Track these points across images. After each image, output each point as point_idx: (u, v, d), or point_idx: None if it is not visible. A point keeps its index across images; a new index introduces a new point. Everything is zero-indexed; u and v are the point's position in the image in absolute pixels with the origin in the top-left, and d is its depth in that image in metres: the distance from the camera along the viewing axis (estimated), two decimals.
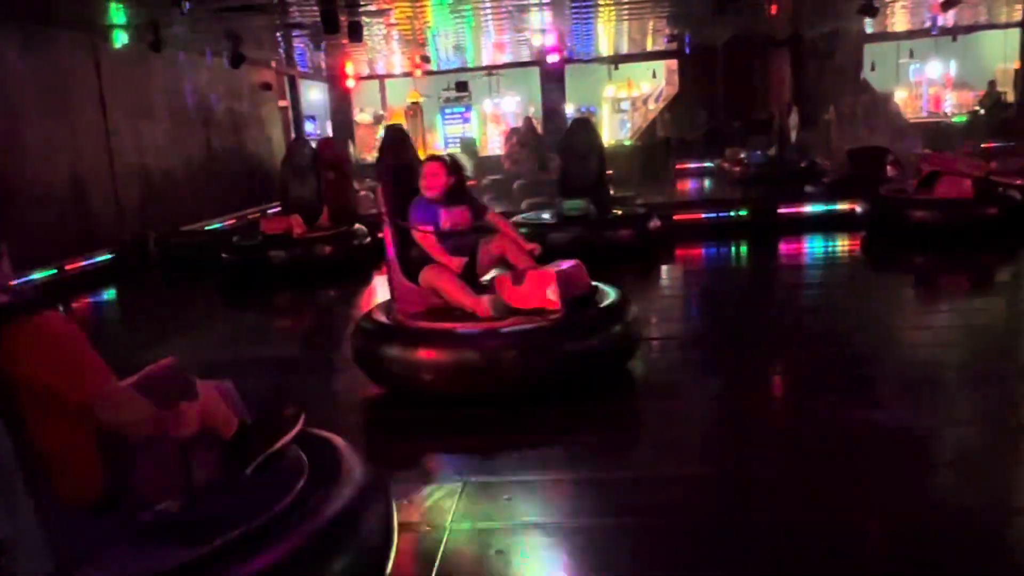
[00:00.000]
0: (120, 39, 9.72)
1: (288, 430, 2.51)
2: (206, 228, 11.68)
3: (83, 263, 9.28)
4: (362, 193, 12.14)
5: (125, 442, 2.12)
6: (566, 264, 4.60)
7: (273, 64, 15.88)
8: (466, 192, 4.92)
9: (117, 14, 9.42)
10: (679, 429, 4.09)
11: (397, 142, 5.15)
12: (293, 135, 16.81)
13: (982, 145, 12.65)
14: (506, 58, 18.60)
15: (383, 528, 2.34)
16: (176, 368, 2.47)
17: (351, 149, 17.55)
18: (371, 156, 20.82)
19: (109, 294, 9.12)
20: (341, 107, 19.91)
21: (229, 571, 1.91)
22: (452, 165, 4.83)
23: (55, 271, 8.82)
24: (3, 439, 1.88)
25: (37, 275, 8.55)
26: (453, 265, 4.65)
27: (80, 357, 2.05)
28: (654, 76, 22.05)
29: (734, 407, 4.38)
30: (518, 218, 9.37)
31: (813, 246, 9.10)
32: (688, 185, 15.90)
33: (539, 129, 18.77)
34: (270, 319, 7.67)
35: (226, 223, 12.16)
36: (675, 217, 9.51)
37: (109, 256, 9.69)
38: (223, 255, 9.06)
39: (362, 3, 10.12)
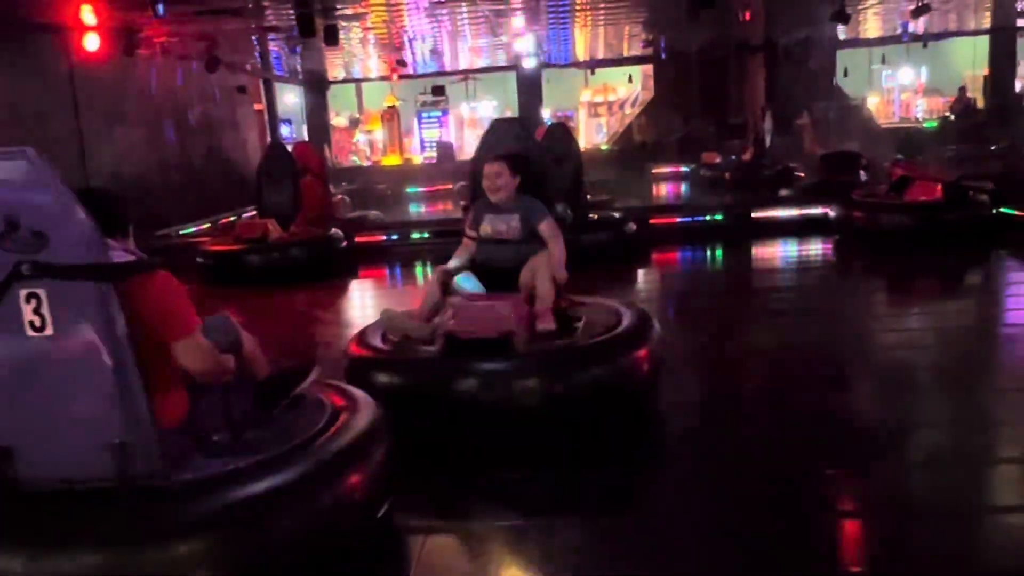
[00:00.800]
0: (93, 43, 9.63)
1: (305, 378, 3.12)
2: (180, 232, 11.58)
3: None
4: (338, 197, 12.08)
5: (194, 381, 2.72)
6: (499, 302, 3.94)
7: (248, 67, 15.80)
8: (535, 193, 4.41)
9: (90, 17, 9.34)
10: (645, 436, 4.12)
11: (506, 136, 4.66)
12: (269, 139, 16.73)
13: (952, 147, 12.88)
14: (483, 62, 18.65)
15: (387, 450, 2.92)
16: (227, 319, 3.12)
17: (327, 153, 17.52)
18: (347, 160, 20.81)
19: None
20: (317, 111, 19.84)
21: (278, 474, 2.55)
22: (516, 163, 4.34)
23: None
24: (131, 361, 2.43)
25: None
26: (435, 276, 4.27)
27: (178, 308, 2.66)
28: (630, 81, 22.19)
29: (705, 410, 4.41)
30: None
31: (787, 250, 9.19)
32: (664, 189, 16.00)
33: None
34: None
35: (200, 227, 12.08)
36: (651, 221, 9.57)
37: None
38: (198, 259, 9.00)
39: (338, 7, 10.11)
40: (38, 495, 2.43)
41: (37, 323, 2.40)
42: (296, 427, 2.85)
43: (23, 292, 2.38)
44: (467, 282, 4.23)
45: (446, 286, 4.21)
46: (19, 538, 2.34)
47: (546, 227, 4.27)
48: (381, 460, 2.87)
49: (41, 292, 2.38)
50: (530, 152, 4.59)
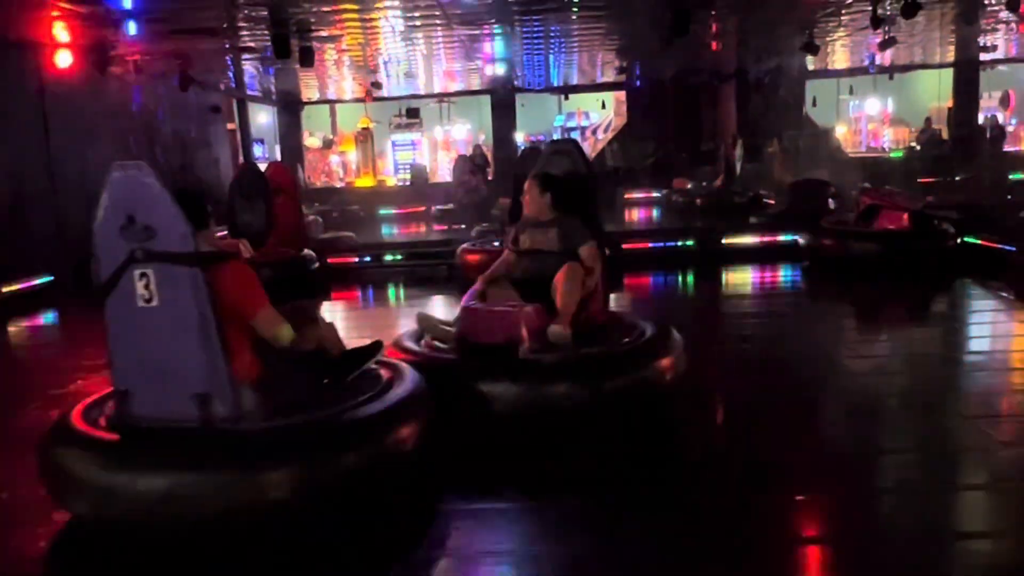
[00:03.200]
0: (65, 60, 9.54)
1: (374, 356, 3.87)
2: None
3: (20, 286, 9.03)
4: (310, 218, 12.04)
5: (270, 349, 3.43)
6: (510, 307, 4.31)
7: (222, 87, 15.73)
8: (576, 211, 4.67)
9: (63, 34, 9.26)
10: (614, 458, 4.13)
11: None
12: (241, 158, 16.63)
13: (919, 180, 13.12)
14: (457, 86, 18.72)
15: (428, 405, 3.64)
16: (309, 305, 4.24)
17: (300, 174, 17.46)
18: (320, 181, 20.73)
19: (47, 318, 8.88)
20: (290, 131, 19.78)
21: (353, 419, 3.33)
22: (546, 182, 4.69)
23: None
24: (214, 330, 3.21)
25: None
26: (476, 285, 4.65)
27: (254, 289, 3.42)
28: (603, 107, 22.38)
29: (673, 434, 4.43)
30: (466, 245, 9.41)
31: (757, 277, 9.28)
32: (636, 215, 16.13)
33: (489, 157, 18.91)
34: None
35: None
36: (623, 246, 9.64)
37: (48, 280, 9.43)
38: None
39: (314, 29, 10.11)
40: (143, 429, 3.25)
41: (146, 296, 3.22)
42: (358, 390, 3.56)
43: (137, 272, 3.21)
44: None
45: (483, 294, 4.53)
46: (126, 462, 3.12)
47: (586, 252, 4.53)
48: (423, 418, 3.53)
49: (150, 272, 3.20)
50: (575, 173, 4.90)
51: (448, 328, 4.47)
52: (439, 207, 15.38)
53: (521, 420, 4.04)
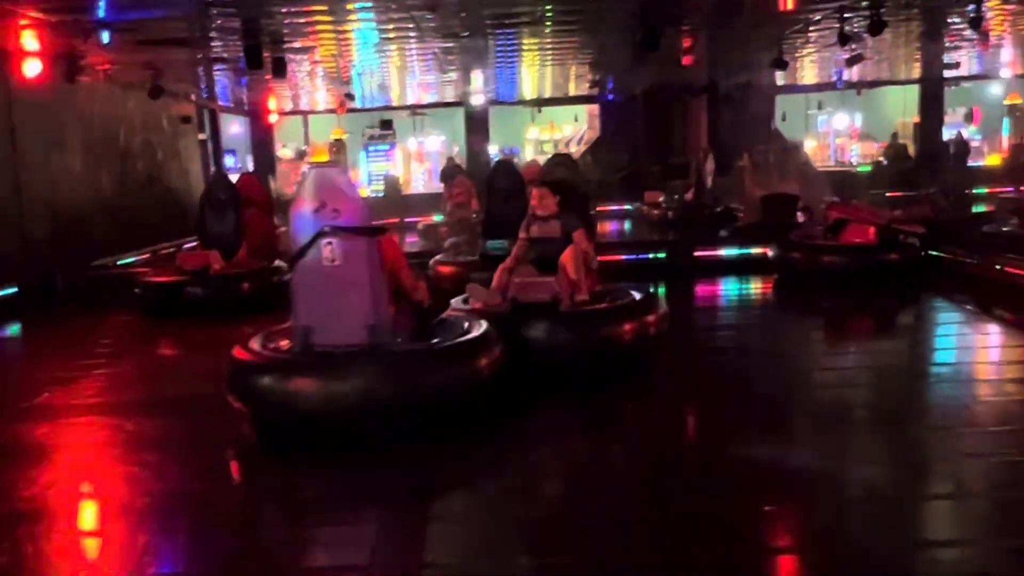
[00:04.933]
0: (34, 69, 9.41)
1: (446, 310, 5.40)
2: (119, 263, 11.32)
3: None
4: (282, 229, 11.94)
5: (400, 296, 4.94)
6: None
7: (193, 97, 15.62)
8: (571, 209, 6.01)
9: (32, 42, 9.15)
10: (583, 469, 4.14)
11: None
12: (212, 169, 16.51)
13: (887, 194, 13.30)
14: (431, 98, 18.74)
15: (501, 345, 4.84)
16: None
17: (272, 185, 17.34)
18: (293, 191, 20.63)
19: (12, 330, 8.74)
20: (263, 142, 19.68)
21: (457, 345, 4.66)
22: (556, 188, 6.08)
23: None
24: (379, 282, 4.63)
25: None
26: (504, 265, 5.90)
27: (402, 254, 5.13)
28: (576, 120, 22.51)
29: (645, 446, 4.46)
30: (439, 257, 9.40)
31: (727, 288, 9.37)
32: (608, 227, 16.20)
33: (461, 166, 18.87)
34: (184, 357, 7.46)
35: (141, 257, 11.82)
36: (597, 258, 9.65)
37: (11, 291, 9.27)
38: (136, 291, 8.81)
39: (287, 40, 10.08)
40: (325, 354, 4.52)
41: (330, 258, 4.56)
42: (449, 331, 4.91)
43: (324, 241, 4.52)
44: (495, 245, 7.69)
45: (511, 271, 5.80)
46: (316, 375, 4.43)
47: (578, 235, 5.86)
48: (498, 352, 4.76)
49: (334, 241, 4.53)
50: (572, 179, 6.80)
51: (495, 294, 5.71)
52: (424, 223, 14.89)
53: (562, 355, 5.31)
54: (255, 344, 4.79)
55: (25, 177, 10.31)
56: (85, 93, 11.45)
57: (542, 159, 23.21)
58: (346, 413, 4.31)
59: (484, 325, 4.89)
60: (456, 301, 5.90)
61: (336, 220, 4.50)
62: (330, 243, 4.51)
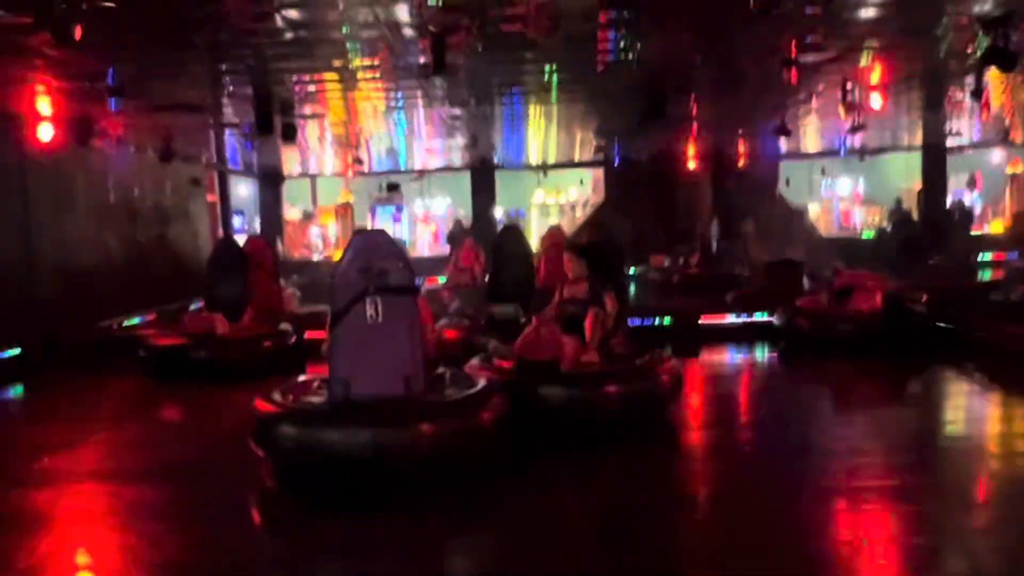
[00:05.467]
0: (47, 133, 9.58)
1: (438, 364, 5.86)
2: (124, 324, 11.34)
3: None
4: (289, 291, 11.98)
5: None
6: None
7: (203, 160, 15.83)
8: (598, 275, 6.40)
9: (46, 108, 9.32)
10: (576, 534, 4.07)
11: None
12: (221, 230, 16.64)
13: (891, 260, 13.32)
14: (438, 162, 18.96)
15: (503, 399, 5.31)
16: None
17: (279, 247, 17.44)
18: (300, 253, 20.74)
19: (14, 392, 8.70)
20: (271, 203, 19.86)
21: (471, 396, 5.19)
22: (581, 254, 6.54)
23: None
24: (417, 337, 5.19)
25: None
26: (532, 323, 6.35)
27: (428, 312, 6.24)
28: (581, 183, 22.70)
29: (648, 514, 4.38)
30: (443, 322, 9.39)
31: (734, 355, 9.32)
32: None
33: (468, 229, 19.01)
34: (187, 421, 7.42)
35: (146, 318, 11.84)
36: None
37: (14, 352, 9.24)
38: (140, 353, 8.80)
39: (297, 107, 10.26)
40: (363, 403, 4.93)
41: (374, 315, 5.00)
42: (456, 384, 5.46)
43: (368, 300, 4.97)
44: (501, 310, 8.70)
45: (538, 330, 6.21)
46: (357, 422, 4.82)
47: (606, 300, 6.25)
48: (500, 403, 5.24)
49: (378, 300, 4.99)
50: (601, 244, 7.16)
51: (510, 351, 6.22)
52: (428, 286, 14.77)
53: (563, 413, 5.75)
54: (277, 396, 5.19)
55: (35, 238, 10.41)
56: (97, 156, 11.62)
57: (549, 223, 23.48)
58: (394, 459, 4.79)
59: (486, 382, 5.44)
60: (474, 360, 6.40)
61: (381, 281, 5.00)
62: (374, 301, 4.98)
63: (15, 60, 7.21)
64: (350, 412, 4.91)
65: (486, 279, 13.19)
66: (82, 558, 4.23)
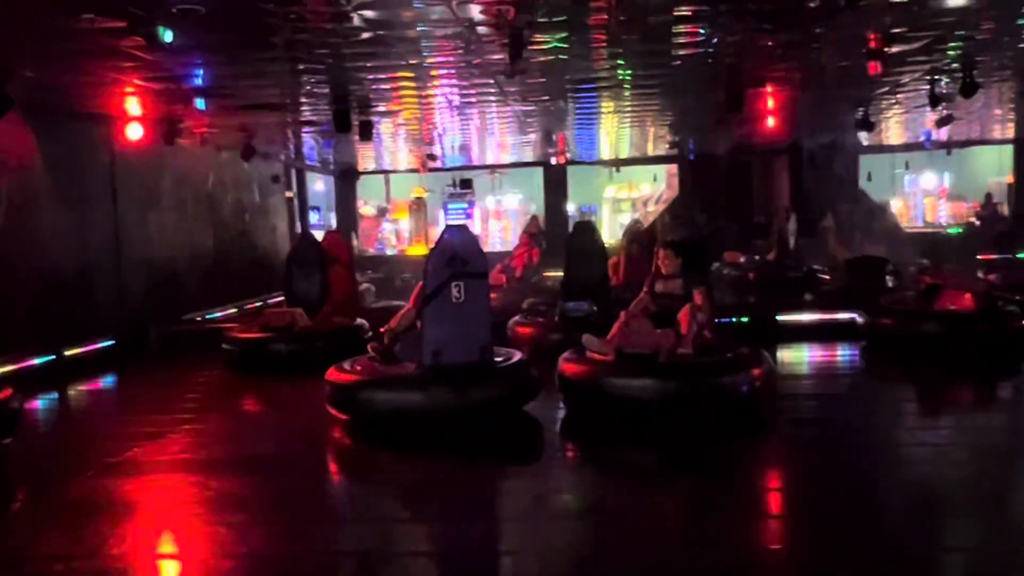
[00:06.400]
0: (136, 132, 9.93)
1: None
2: (208, 317, 11.69)
3: (82, 350, 9.26)
4: (364, 286, 12.17)
5: None
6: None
7: (282, 157, 16.19)
8: (691, 271, 6.69)
9: (135, 108, 9.66)
10: (660, 534, 4.02)
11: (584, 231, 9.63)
12: (299, 226, 17.00)
13: (979, 256, 12.83)
14: (510, 157, 18.99)
15: (532, 374, 6.38)
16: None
17: (354, 242, 17.74)
18: (374, 248, 21.06)
19: (107, 382, 9.07)
20: (346, 199, 20.19)
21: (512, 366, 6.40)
22: (678, 248, 6.80)
23: (53, 356, 8.80)
24: (489, 312, 6.43)
25: (36, 360, 8.54)
26: (622, 318, 6.43)
27: None
28: (655, 179, 22.46)
29: (726, 523, 4.30)
30: (517, 318, 9.41)
31: (813, 355, 9.10)
32: None
33: (542, 226, 18.98)
34: (268, 414, 7.60)
35: (227, 313, 12.19)
36: None
37: (108, 344, 9.67)
38: (224, 346, 9.05)
39: (373, 104, 10.39)
40: (450, 368, 6.01)
41: (458, 296, 6.10)
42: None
43: (453, 283, 6.08)
44: (574, 306, 8.82)
45: (628, 324, 6.36)
46: (443, 385, 5.96)
47: (697, 295, 6.46)
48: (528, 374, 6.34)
49: (461, 284, 6.09)
50: (695, 239, 7.71)
51: (606, 344, 6.32)
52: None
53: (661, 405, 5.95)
54: (347, 366, 6.47)
55: (124, 234, 10.81)
56: (181, 154, 11.99)
57: (621, 219, 23.30)
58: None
59: (517, 357, 6.43)
60: (567, 354, 6.69)
61: (465, 268, 6.07)
62: (457, 285, 6.06)
63: (107, 63, 7.48)
64: (440, 376, 5.99)
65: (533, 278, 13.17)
66: (169, 547, 4.37)
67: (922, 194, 22.12)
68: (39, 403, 7.81)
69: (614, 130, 14.71)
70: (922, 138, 16.40)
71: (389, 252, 21.08)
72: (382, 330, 6.93)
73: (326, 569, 4.02)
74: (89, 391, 8.72)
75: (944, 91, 9.93)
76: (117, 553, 4.09)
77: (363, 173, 20.46)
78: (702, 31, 7.33)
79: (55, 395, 8.24)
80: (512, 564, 4.02)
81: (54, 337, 8.98)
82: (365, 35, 6.94)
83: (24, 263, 9.07)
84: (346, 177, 19.90)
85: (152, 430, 6.41)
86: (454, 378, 5.95)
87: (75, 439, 6.67)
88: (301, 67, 8.17)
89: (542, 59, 7.93)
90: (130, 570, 3.94)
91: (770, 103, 11.35)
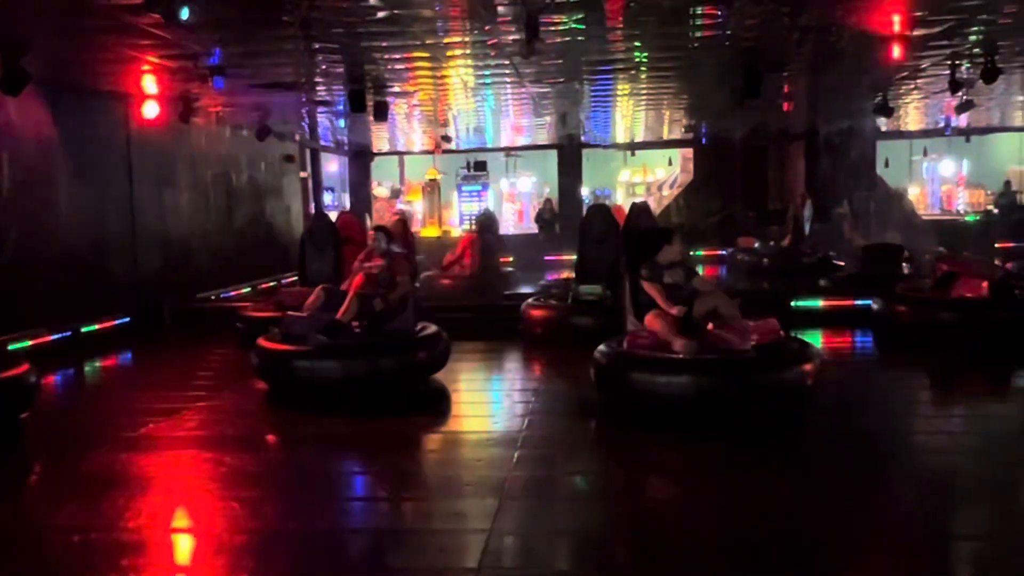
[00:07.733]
0: (152, 110, 9.94)
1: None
2: (222, 296, 11.74)
3: (97, 327, 9.34)
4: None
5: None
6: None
7: (297, 137, 16.20)
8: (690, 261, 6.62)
9: (151, 86, 9.67)
10: (678, 531, 4.02)
11: (641, 215, 8.83)
12: (312, 206, 17.02)
13: (997, 245, 12.71)
14: (524, 140, 18.93)
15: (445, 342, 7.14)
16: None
17: (368, 223, 17.73)
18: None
19: (123, 359, 9.14)
20: (360, 180, 20.19)
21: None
22: (680, 241, 6.50)
23: (70, 333, 8.88)
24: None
25: (52, 336, 8.62)
26: (673, 311, 5.96)
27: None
28: (670, 163, 22.36)
29: (742, 510, 4.30)
30: (531, 300, 9.41)
31: (828, 342, 9.06)
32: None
33: (556, 209, 18.98)
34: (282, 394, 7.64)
35: (240, 291, 12.24)
36: None
37: (124, 321, 9.74)
38: (237, 324, 9.09)
39: (388, 85, 10.37)
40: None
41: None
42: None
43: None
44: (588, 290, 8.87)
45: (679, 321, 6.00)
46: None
47: (697, 280, 6.37)
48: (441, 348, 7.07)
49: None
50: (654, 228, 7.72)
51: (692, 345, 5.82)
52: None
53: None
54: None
55: (139, 213, 10.86)
56: (196, 133, 12.02)
57: (635, 201, 23.13)
58: None
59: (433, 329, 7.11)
60: (603, 347, 6.41)
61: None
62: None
63: (123, 39, 7.49)
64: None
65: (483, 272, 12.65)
66: (183, 521, 4.42)
67: (940, 181, 21.91)
68: (56, 379, 7.89)
69: (630, 113, 14.64)
70: (941, 124, 16.24)
71: None
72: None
73: (338, 545, 4.05)
74: (104, 367, 8.80)
75: (965, 76, 9.82)
76: (133, 526, 4.13)
77: (377, 154, 20.44)
78: (719, 13, 7.27)
79: (71, 371, 8.31)
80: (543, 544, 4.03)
81: (70, 314, 9.05)
82: (381, 14, 6.92)
83: (41, 240, 9.13)
84: (360, 158, 19.89)
85: (167, 406, 6.47)
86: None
87: (91, 414, 6.74)
88: (316, 46, 8.16)
89: (558, 40, 7.88)
90: (145, 543, 3.99)
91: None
